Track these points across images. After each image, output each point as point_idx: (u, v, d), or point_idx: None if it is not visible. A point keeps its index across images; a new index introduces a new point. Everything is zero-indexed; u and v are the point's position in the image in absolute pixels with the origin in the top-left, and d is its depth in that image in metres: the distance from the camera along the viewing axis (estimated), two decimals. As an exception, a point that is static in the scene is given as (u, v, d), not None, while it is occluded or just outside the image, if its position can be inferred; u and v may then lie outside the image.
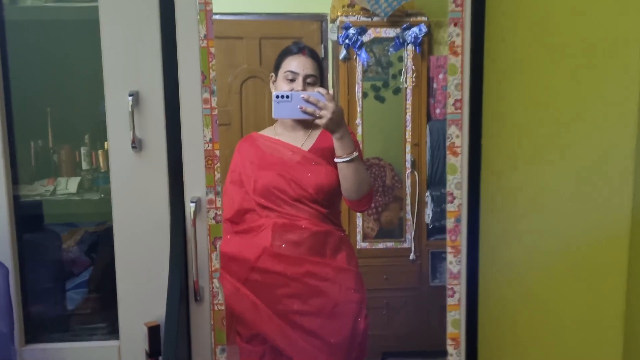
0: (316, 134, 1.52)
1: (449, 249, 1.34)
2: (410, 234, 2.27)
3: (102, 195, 1.36)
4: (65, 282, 1.45)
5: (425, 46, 2.31)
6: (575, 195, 1.46)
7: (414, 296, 2.32)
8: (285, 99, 1.34)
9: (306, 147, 1.52)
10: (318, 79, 1.51)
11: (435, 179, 2.33)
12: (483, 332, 1.37)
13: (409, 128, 2.30)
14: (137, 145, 1.25)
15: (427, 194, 2.31)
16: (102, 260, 1.46)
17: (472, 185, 1.31)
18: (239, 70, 2.29)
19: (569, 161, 1.46)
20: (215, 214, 1.29)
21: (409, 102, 2.29)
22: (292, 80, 1.48)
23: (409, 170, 2.30)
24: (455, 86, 1.29)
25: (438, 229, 2.29)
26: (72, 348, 1.33)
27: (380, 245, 2.28)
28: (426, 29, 2.29)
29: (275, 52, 2.72)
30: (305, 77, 1.48)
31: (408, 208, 2.29)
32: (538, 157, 1.45)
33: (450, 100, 1.29)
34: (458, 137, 1.30)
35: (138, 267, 1.29)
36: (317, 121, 1.37)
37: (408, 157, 2.30)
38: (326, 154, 1.50)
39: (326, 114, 1.35)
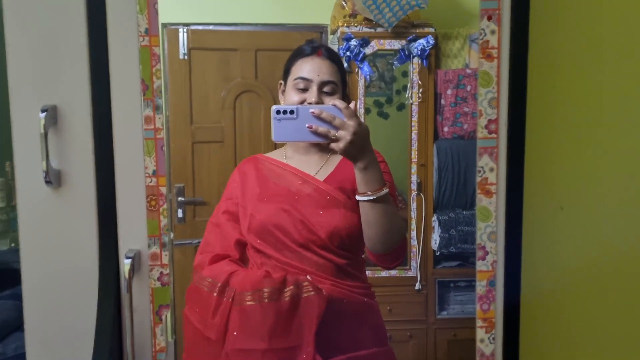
0: (336, 160, 1.14)
1: (479, 322, 0.99)
2: (415, 262, 2.20)
3: (13, 245, 1.02)
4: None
5: (432, 59, 2.19)
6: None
7: (420, 330, 2.23)
8: (289, 114, 0.93)
9: (321, 176, 1.15)
10: (339, 87, 1.13)
11: (443, 202, 2.23)
12: None
13: (414, 147, 2.21)
14: (52, 179, 0.91)
15: (434, 218, 2.20)
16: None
17: (511, 236, 0.96)
18: (232, 84, 2.29)
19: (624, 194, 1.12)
20: (161, 273, 0.95)
21: (414, 119, 2.21)
22: (305, 90, 1.09)
23: (414, 193, 2.23)
24: (488, 102, 0.95)
25: (446, 256, 2.25)
26: None
27: (384, 274, 2.17)
28: (433, 41, 2.17)
29: (272, 64, 2.53)
30: (321, 84, 1.10)
31: (414, 233, 2.21)
32: (589, 193, 1.11)
33: (482, 121, 0.95)
34: (492, 170, 0.96)
35: (54, 353, 0.95)
36: (333, 145, 0.97)
37: (414, 178, 2.23)
38: (347, 187, 1.12)
39: (345, 136, 0.96)
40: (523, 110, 0.94)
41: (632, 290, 1.12)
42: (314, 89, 1.09)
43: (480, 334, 0.99)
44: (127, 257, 0.93)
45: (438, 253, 2.22)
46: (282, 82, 1.17)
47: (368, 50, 2.24)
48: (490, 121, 0.95)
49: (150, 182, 0.93)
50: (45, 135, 0.89)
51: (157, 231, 0.94)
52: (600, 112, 1.08)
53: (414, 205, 2.21)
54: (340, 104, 0.96)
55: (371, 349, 1.09)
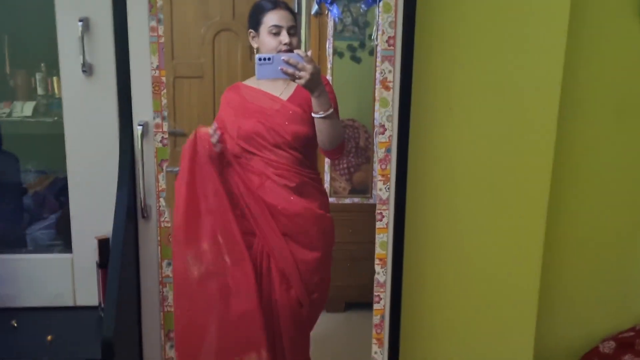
0: (293, 85, 1.60)
1: (379, 177, 1.46)
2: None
3: (56, 118, 1.44)
4: (22, 201, 1.55)
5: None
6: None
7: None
8: (267, 61, 1.42)
9: (285, 96, 1.61)
10: (296, 29, 1.59)
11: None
12: (409, 251, 1.51)
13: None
14: (87, 69, 1.33)
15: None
16: (46, 210, 1.56)
17: (403, 117, 1.42)
18: (211, 22, 2.37)
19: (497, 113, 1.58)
20: (162, 137, 1.39)
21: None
22: (277, 34, 1.55)
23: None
24: (389, 24, 1.38)
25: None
26: (31, 259, 1.44)
27: (347, 201, 2.44)
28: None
29: (249, 5, 2.75)
30: (289, 28, 1.56)
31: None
32: (472, 101, 1.57)
33: (384, 37, 1.38)
34: (390, 72, 1.40)
35: (89, 186, 1.39)
36: (297, 81, 1.45)
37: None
38: (303, 104, 1.59)
39: (305, 75, 1.44)
40: (412, 29, 1.37)
41: (508, 172, 1.60)
42: (284, 32, 1.55)
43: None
44: (139, 125, 1.36)
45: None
46: (251, 30, 1.61)
47: (338, -6, 2.45)
48: (389, 37, 1.38)
49: (155, 73, 1.35)
50: (82, 38, 1.31)
51: (159, 108, 1.37)
52: (485, 27, 1.52)
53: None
54: (301, 52, 1.44)
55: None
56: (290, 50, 1.49)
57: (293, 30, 1.56)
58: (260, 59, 1.43)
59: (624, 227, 1.93)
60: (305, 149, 1.60)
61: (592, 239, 1.91)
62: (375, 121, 2.32)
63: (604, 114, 1.83)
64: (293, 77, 1.44)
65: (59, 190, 1.56)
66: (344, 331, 2.33)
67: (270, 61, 1.42)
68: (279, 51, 1.52)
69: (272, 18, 1.56)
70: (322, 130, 1.53)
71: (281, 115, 1.58)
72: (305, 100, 1.56)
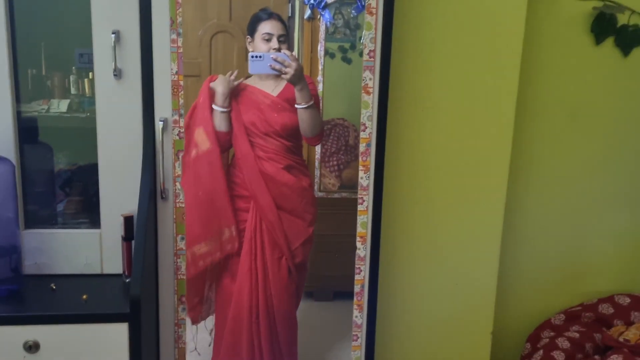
0: (283, 83, 1.93)
1: (361, 167, 1.73)
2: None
3: (88, 114, 1.70)
4: (55, 185, 1.80)
5: (388, 9, 2.68)
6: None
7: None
8: (258, 58, 1.77)
9: (275, 93, 1.94)
10: (287, 37, 1.92)
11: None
12: (385, 230, 1.78)
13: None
14: (117, 74, 1.59)
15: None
16: (75, 193, 1.81)
17: (381, 117, 1.69)
18: (209, 24, 2.48)
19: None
20: (179, 131, 1.65)
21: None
22: (269, 40, 1.89)
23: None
24: (370, 40, 1.65)
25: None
26: (63, 233, 1.69)
27: (336, 195, 2.57)
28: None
29: (245, 9, 2.88)
30: (279, 36, 1.89)
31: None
32: (440, 103, 1.85)
33: (366, 51, 1.65)
34: (371, 79, 1.67)
35: (116, 171, 1.65)
36: (283, 76, 1.80)
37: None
38: (290, 100, 1.91)
39: (290, 71, 1.79)
40: (389, 44, 1.64)
41: (471, 165, 1.87)
42: (275, 40, 1.90)
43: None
44: (160, 121, 1.62)
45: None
46: (249, 36, 1.95)
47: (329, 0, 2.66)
48: (370, 50, 1.65)
49: (174, 77, 1.61)
50: (114, 47, 1.56)
51: (177, 106, 1.63)
52: (450, 41, 1.79)
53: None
54: (288, 52, 1.81)
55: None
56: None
57: (283, 38, 1.88)
58: (252, 56, 1.76)
59: (574, 216, 2.20)
60: (291, 138, 1.93)
61: (546, 226, 2.19)
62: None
63: (559, 116, 2.12)
64: (280, 73, 1.76)
65: (64, 182, 1.81)
66: (331, 319, 2.49)
67: (261, 58, 1.75)
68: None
69: (265, 27, 1.88)
70: (303, 120, 1.87)
71: (271, 108, 1.88)
72: (292, 97, 1.89)
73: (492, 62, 1.83)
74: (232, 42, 2.47)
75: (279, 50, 1.87)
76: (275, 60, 1.78)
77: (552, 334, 2.11)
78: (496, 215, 1.94)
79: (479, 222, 1.94)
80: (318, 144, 2.17)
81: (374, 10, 1.63)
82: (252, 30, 1.94)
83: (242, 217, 1.97)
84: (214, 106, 1.91)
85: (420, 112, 1.85)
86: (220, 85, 1.90)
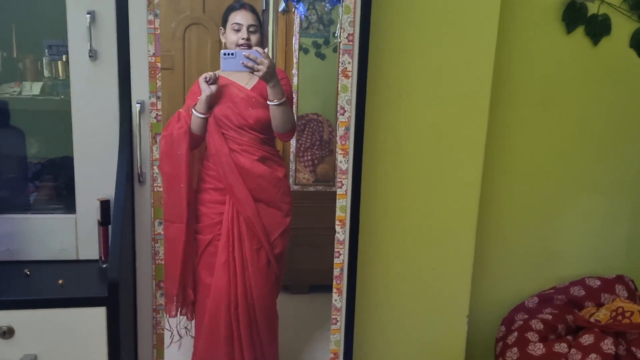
0: (257, 78, 1.87)
1: (339, 151, 1.73)
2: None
3: (62, 97, 1.66)
4: (27, 171, 1.76)
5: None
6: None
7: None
8: (231, 56, 1.75)
9: (249, 86, 1.92)
10: (258, 27, 1.90)
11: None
12: (364, 213, 1.79)
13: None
14: (93, 55, 1.56)
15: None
16: (48, 178, 1.77)
17: (359, 101, 1.70)
18: (182, 16, 2.48)
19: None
20: (157, 114, 1.63)
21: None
22: (238, 30, 1.87)
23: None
24: (348, 24, 1.65)
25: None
26: (37, 218, 1.65)
27: (311, 189, 2.60)
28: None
29: (218, 1, 2.87)
30: (248, 26, 1.87)
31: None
32: (417, 89, 1.87)
33: (344, 34, 1.66)
34: (350, 63, 1.68)
35: (92, 155, 1.62)
36: (255, 73, 1.79)
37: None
38: (264, 94, 1.89)
39: (262, 68, 1.77)
40: (368, 27, 1.65)
41: (446, 150, 1.89)
42: (244, 30, 1.88)
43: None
44: (137, 103, 1.60)
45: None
46: (222, 27, 1.94)
47: (304, -7, 2.60)
48: (349, 34, 1.66)
49: (151, 59, 1.59)
50: (89, 28, 1.53)
51: (154, 89, 1.61)
52: (428, 28, 1.81)
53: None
54: (260, 50, 1.79)
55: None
56: (249, 46, 1.81)
57: (253, 29, 1.87)
58: (225, 54, 1.75)
59: (547, 202, 2.25)
60: (264, 131, 1.92)
61: (520, 212, 2.23)
62: (337, 113, 2.59)
63: (531, 103, 2.16)
64: (252, 70, 1.73)
65: (34, 175, 1.78)
66: (307, 312, 2.55)
67: (234, 56, 1.74)
68: (238, 45, 1.84)
69: (235, 17, 1.88)
70: (275, 116, 1.86)
71: (245, 102, 1.87)
72: (266, 91, 1.86)
73: (467, 48, 1.86)
74: (206, 34, 2.49)
75: (248, 40, 1.86)
76: (247, 57, 1.76)
77: (525, 316, 2.15)
78: (471, 201, 1.97)
79: (455, 208, 1.97)
80: (290, 140, 2.17)
81: (352, -6, 1.63)
82: (224, 20, 1.93)
83: (218, 209, 1.95)
84: (193, 110, 1.88)
85: (396, 97, 1.86)
86: (203, 92, 1.87)
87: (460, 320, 2.06)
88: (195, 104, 1.88)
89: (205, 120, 1.89)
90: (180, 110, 1.92)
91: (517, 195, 2.21)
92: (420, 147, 1.89)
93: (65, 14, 1.54)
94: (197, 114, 1.87)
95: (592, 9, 2.09)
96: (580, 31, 2.11)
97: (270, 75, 1.80)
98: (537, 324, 2.07)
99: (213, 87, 1.85)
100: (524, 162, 2.19)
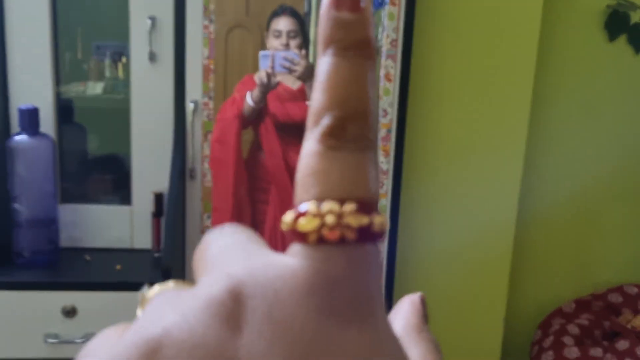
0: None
1: (381, 152, 1.80)
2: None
3: (122, 96, 1.78)
4: (88, 166, 1.89)
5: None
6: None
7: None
8: (268, 57, 1.81)
9: (295, 87, 1.99)
10: (298, 32, 1.99)
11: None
12: (403, 213, 1.86)
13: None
14: (152, 57, 1.67)
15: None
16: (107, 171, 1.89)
17: (401, 106, 1.76)
18: (225, 18, 2.76)
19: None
20: (208, 114, 1.73)
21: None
22: (279, 36, 1.94)
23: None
24: (392, 29, 1.73)
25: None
26: (97, 208, 1.78)
27: None
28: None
29: (262, 4, 3.00)
30: (288, 32, 1.96)
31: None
32: (458, 92, 1.92)
33: (388, 40, 1.73)
34: (392, 67, 1.75)
35: (147, 151, 1.73)
36: (292, 74, 1.86)
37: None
38: (310, 95, 1.96)
39: (299, 69, 1.85)
40: (411, 34, 1.72)
41: (486, 153, 1.93)
42: (284, 36, 1.93)
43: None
44: (191, 102, 1.71)
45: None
46: (266, 32, 2.02)
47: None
48: (393, 40, 1.73)
49: (205, 62, 1.70)
50: (150, 32, 1.65)
51: (207, 89, 1.72)
52: (469, 32, 1.87)
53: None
54: (297, 51, 1.87)
55: None
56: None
57: (293, 34, 1.95)
58: (262, 55, 1.82)
59: (586, 207, 2.27)
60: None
61: (559, 216, 2.26)
62: (379, 118, 2.76)
63: (572, 109, 2.18)
64: (289, 71, 1.81)
65: (94, 168, 1.89)
66: None
67: (271, 57, 1.81)
68: (279, 50, 1.91)
69: (275, 23, 1.97)
70: None
71: (292, 102, 1.96)
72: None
73: (509, 53, 1.90)
74: (248, 37, 2.61)
75: (287, 45, 1.94)
76: (284, 58, 1.85)
77: (562, 321, 2.17)
78: (511, 204, 2.01)
79: (494, 211, 2.01)
80: None
81: (396, 1, 1.70)
82: (267, 26, 2.02)
83: (261, 209, 2.04)
84: (247, 96, 1.96)
85: (438, 100, 1.92)
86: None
87: (496, 323, 2.09)
88: (252, 90, 1.95)
89: (255, 111, 1.97)
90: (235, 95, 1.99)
91: (556, 200, 2.23)
92: (460, 150, 1.95)
93: (127, 19, 1.66)
94: (249, 102, 1.96)
95: (635, 17, 2.11)
96: (622, 39, 2.13)
97: (307, 76, 1.88)
98: (573, 329, 2.09)
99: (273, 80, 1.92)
100: (564, 167, 2.21)
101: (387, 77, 1.75)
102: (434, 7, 1.83)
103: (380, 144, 1.79)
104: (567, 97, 2.16)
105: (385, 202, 1.81)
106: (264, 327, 0.18)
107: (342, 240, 0.19)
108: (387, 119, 1.78)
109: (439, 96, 1.91)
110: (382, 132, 1.78)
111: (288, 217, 0.21)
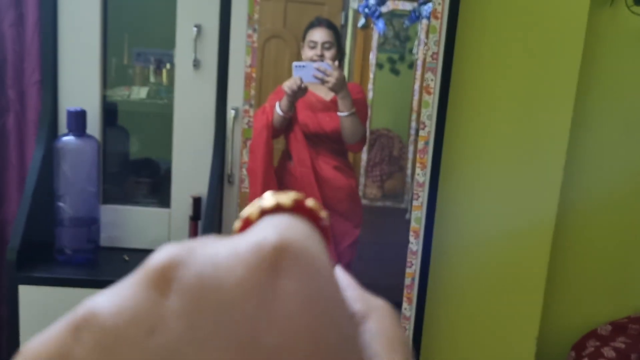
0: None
1: (418, 164, 1.80)
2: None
3: (166, 101, 1.83)
4: (129, 168, 1.93)
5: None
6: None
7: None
8: (302, 67, 1.84)
9: (327, 98, 2.03)
10: (333, 43, 2.01)
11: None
12: (438, 226, 1.85)
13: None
14: (196, 64, 1.71)
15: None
16: (148, 174, 1.93)
17: (440, 118, 1.76)
18: (262, 28, 2.46)
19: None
20: (248, 120, 1.76)
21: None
22: (314, 47, 1.97)
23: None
24: (434, 42, 1.73)
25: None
26: (136, 209, 1.82)
27: (379, 204, 2.61)
28: (442, 5, 2.75)
29: (299, 15, 3.00)
30: (323, 43, 2.00)
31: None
32: (497, 106, 1.91)
33: (429, 53, 1.74)
34: (432, 80, 1.75)
35: (188, 155, 1.77)
36: (324, 85, 1.90)
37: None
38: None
39: (331, 80, 1.89)
40: (452, 47, 1.72)
41: (524, 171, 1.91)
42: (319, 47, 1.97)
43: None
44: (232, 109, 1.74)
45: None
46: (302, 42, 2.08)
47: (384, 9, 2.73)
48: (434, 53, 1.73)
49: (247, 70, 1.73)
50: (195, 40, 1.69)
51: (248, 97, 1.74)
52: (510, 46, 1.86)
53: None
54: (330, 62, 1.91)
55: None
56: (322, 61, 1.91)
57: (328, 45, 1.98)
58: (296, 66, 1.84)
59: (624, 228, 2.22)
60: (339, 141, 2.02)
61: (596, 237, 2.21)
62: (411, 130, 2.51)
63: (614, 127, 2.14)
64: (322, 81, 1.83)
65: (135, 171, 1.94)
66: None
67: (305, 67, 1.83)
68: (312, 61, 1.93)
69: (312, 34, 2.00)
70: (345, 127, 1.95)
71: (323, 112, 1.97)
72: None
73: (551, 68, 1.89)
74: (284, 48, 2.54)
75: (321, 56, 1.96)
76: (317, 69, 1.86)
77: (597, 343, 2.12)
78: (547, 222, 1.98)
79: (530, 228, 1.98)
80: (359, 151, 2.25)
81: (439, 15, 1.71)
82: (304, 36, 2.05)
83: None
84: (276, 106, 2.00)
85: (476, 115, 1.91)
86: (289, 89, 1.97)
87: (529, 342, 2.05)
88: (281, 100, 1.99)
89: (284, 120, 2.00)
90: (265, 105, 2.03)
91: (593, 220, 2.19)
92: (497, 165, 1.93)
93: (174, 26, 1.70)
94: (279, 111, 1.99)
95: (682, 35, 2.06)
96: (667, 58, 2.09)
97: (339, 87, 1.90)
98: (609, 352, 2.04)
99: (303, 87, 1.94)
100: (603, 186, 2.17)
101: (427, 90, 1.75)
102: (476, 22, 1.83)
103: (417, 156, 1.79)
104: (608, 114, 2.12)
105: (420, 215, 1.81)
106: (193, 290, 0.19)
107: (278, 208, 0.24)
108: (425, 132, 1.78)
109: (477, 111, 1.90)
110: (419, 145, 1.78)
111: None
